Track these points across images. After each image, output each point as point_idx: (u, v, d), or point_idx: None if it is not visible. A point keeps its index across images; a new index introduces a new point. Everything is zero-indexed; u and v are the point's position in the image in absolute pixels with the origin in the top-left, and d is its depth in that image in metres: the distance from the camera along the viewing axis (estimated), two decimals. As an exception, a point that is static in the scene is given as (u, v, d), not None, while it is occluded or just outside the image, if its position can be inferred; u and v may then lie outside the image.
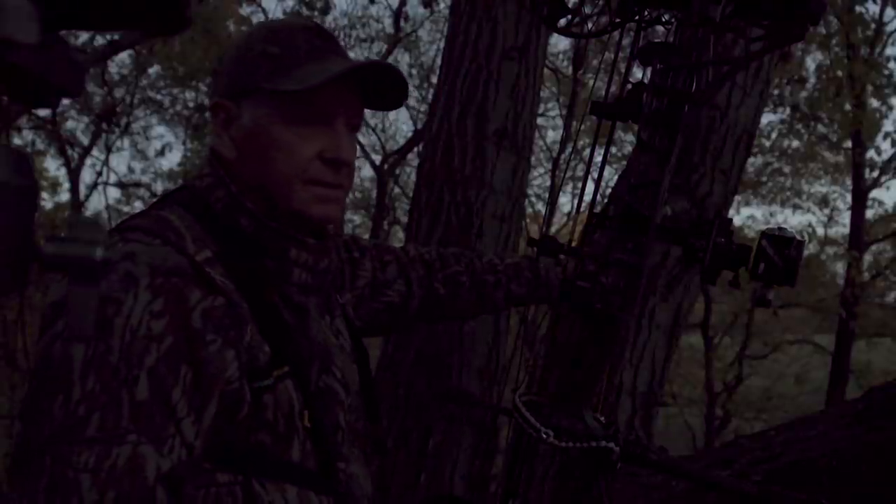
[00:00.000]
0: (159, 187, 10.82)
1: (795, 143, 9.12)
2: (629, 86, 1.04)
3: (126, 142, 10.38)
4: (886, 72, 6.45)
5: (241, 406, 0.84)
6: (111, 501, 0.71)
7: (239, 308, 0.85)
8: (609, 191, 2.54)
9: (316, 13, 6.93)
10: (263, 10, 8.34)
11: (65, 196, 10.30)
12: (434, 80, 7.59)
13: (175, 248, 0.84)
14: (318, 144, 0.93)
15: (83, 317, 0.46)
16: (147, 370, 0.76)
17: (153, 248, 0.82)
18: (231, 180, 0.94)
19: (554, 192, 7.13)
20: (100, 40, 6.78)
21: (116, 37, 6.38)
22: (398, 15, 8.49)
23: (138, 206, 10.84)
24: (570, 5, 1.15)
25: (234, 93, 0.96)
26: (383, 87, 0.99)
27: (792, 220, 12.23)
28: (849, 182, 9.33)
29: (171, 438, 0.76)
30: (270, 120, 0.93)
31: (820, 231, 11.06)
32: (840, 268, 10.45)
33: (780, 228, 1.04)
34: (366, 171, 11.46)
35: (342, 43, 1.06)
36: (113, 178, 10.75)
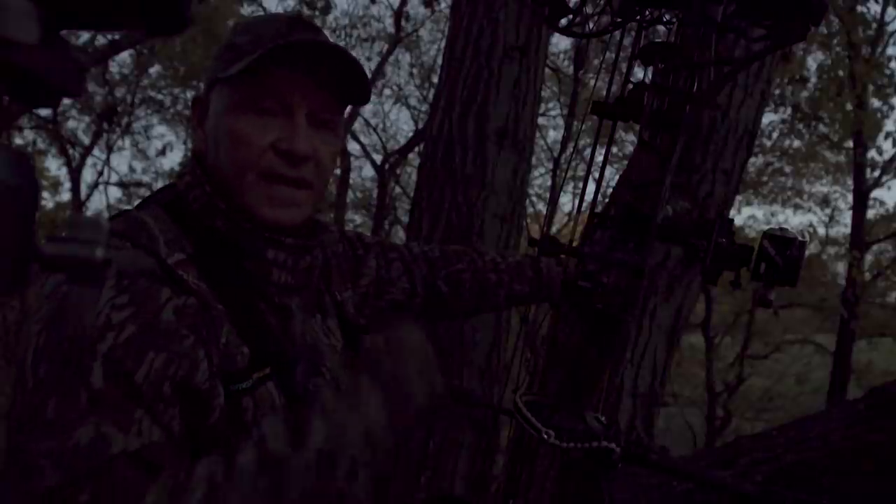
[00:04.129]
0: (160, 186, 10.81)
1: (797, 143, 9.13)
2: (630, 86, 1.04)
3: (127, 141, 10.38)
4: (888, 71, 6.44)
5: (212, 408, 0.81)
6: (75, 483, 0.70)
7: (213, 310, 0.83)
8: (610, 191, 2.54)
9: (317, 13, 6.92)
10: (264, 10, 8.35)
11: (66, 196, 10.31)
12: (435, 79, 7.59)
13: (146, 250, 0.82)
14: (272, 135, 0.89)
15: (82, 316, 0.46)
16: (102, 356, 0.74)
17: (122, 252, 0.81)
18: (207, 178, 0.93)
19: (555, 191, 7.13)
20: (100, 40, 6.79)
21: (117, 36, 6.39)
22: (399, 14, 8.49)
23: (139, 205, 10.83)
24: (571, 5, 1.15)
25: (208, 87, 0.95)
26: (348, 78, 0.93)
27: (793, 219, 12.24)
28: (850, 182, 9.33)
29: (138, 422, 0.74)
30: (226, 109, 0.91)
31: (821, 231, 11.06)
32: (841, 268, 10.46)
33: (781, 228, 1.03)
34: (367, 171, 11.46)
35: (342, 42, 1.04)
36: (114, 178, 10.76)
